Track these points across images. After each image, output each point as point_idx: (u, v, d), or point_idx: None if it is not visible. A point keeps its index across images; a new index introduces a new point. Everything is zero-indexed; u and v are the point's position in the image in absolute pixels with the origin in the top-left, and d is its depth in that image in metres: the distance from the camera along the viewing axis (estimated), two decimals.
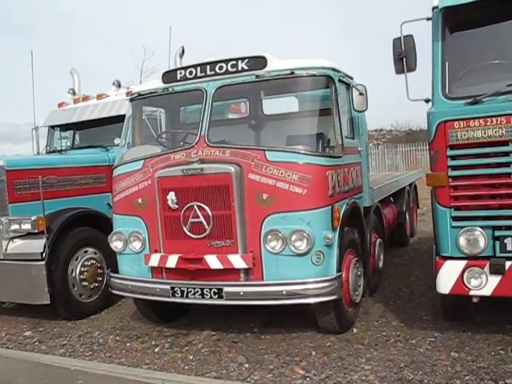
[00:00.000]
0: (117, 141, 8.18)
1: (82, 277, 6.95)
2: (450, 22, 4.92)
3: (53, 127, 9.37)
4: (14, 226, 6.65)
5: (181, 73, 5.82)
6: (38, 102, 9.59)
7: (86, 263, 7.04)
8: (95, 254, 7.20)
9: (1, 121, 52.22)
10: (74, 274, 6.87)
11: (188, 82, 5.79)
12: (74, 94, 9.30)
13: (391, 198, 9.33)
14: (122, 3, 55.10)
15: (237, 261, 5.09)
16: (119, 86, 8.92)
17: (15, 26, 55.16)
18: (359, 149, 6.36)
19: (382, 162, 30.52)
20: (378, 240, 7.28)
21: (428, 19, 5.05)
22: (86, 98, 9.07)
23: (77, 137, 9.20)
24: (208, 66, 5.67)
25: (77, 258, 6.94)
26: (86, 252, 7.09)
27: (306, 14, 75.66)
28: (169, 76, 5.93)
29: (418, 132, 40.45)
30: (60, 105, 9.27)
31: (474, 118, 4.55)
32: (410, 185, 11.20)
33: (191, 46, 9.58)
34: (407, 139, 35.58)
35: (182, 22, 49.29)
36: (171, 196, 5.31)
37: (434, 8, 4.97)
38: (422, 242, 10.99)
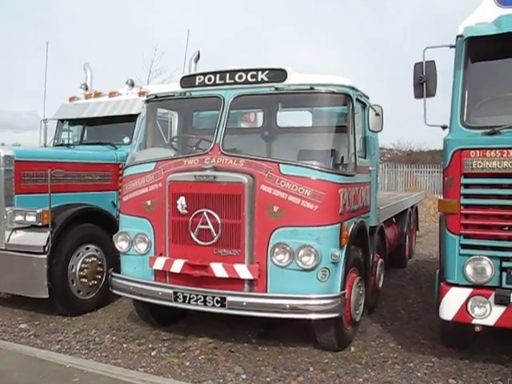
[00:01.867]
0: (126, 140, 8.23)
1: (81, 273, 6.92)
2: (473, 51, 4.95)
3: (62, 121, 9.35)
4: (19, 217, 6.63)
5: (200, 78, 5.83)
6: (42, 93, 9.64)
7: (87, 260, 7.02)
8: (96, 251, 7.19)
9: (3, 108, 52.04)
10: (74, 270, 6.84)
11: (206, 88, 5.80)
12: (87, 89, 9.28)
13: (394, 219, 9.35)
14: (136, 2, 55.09)
15: (243, 271, 5.09)
16: (132, 85, 8.91)
17: (20, 13, 55.07)
18: (370, 168, 6.38)
19: (381, 180, 30.56)
20: (380, 260, 7.30)
21: (451, 47, 5.09)
22: (98, 95, 9.05)
23: (86, 132, 9.17)
24: (228, 74, 5.69)
25: (78, 254, 6.92)
26: (87, 249, 7.07)
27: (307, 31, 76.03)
28: (187, 81, 5.94)
29: (418, 153, 40.66)
30: (71, 99, 9.24)
31: (491, 149, 4.57)
32: (412, 207, 11.25)
33: (205, 49, 9.59)
34: (407, 160, 35.68)
35: (196, 26, 49.35)
36: (181, 201, 5.31)
37: (458, 36, 5.01)
38: (420, 264, 11.03)
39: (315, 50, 66.55)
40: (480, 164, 4.62)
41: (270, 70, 5.55)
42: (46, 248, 6.45)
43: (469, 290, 4.69)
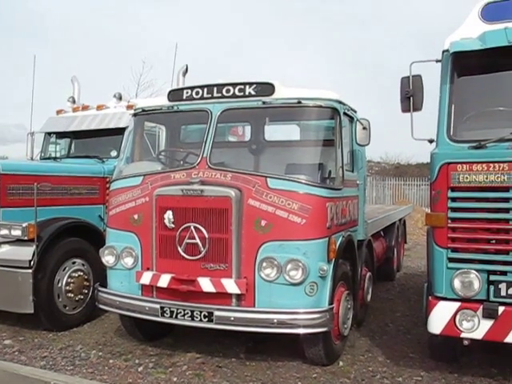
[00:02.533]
0: (113, 153, 8.19)
1: (67, 288, 6.83)
2: (459, 65, 4.99)
3: (49, 134, 9.30)
4: (4, 231, 6.55)
5: (187, 92, 5.83)
6: (29, 106, 9.58)
7: (73, 274, 6.93)
8: (83, 265, 7.11)
9: None
10: (60, 285, 6.75)
11: (194, 102, 5.80)
12: (74, 102, 9.25)
13: (381, 232, 9.37)
14: (124, 16, 55.24)
15: (230, 285, 5.05)
16: (120, 98, 8.90)
17: (6, 25, 54.94)
18: (358, 182, 6.40)
19: (369, 193, 30.68)
20: (368, 274, 7.28)
21: (437, 61, 5.14)
22: (85, 108, 9.03)
23: (73, 145, 9.13)
24: (215, 88, 5.69)
25: (64, 269, 6.83)
26: (73, 263, 6.99)
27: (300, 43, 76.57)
28: (175, 94, 5.94)
29: (406, 166, 40.85)
30: (59, 112, 9.21)
31: (477, 163, 4.60)
32: (400, 220, 11.28)
33: (192, 63, 9.61)
34: (395, 173, 35.88)
35: (185, 40, 49.51)
36: (168, 215, 5.28)
37: (444, 51, 5.06)
38: (408, 277, 11.02)
39: (304, 64, 66.93)
40: (467, 178, 4.64)
41: (257, 83, 5.56)
42: (32, 262, 6.35)
43: (457, 304, 4.69)
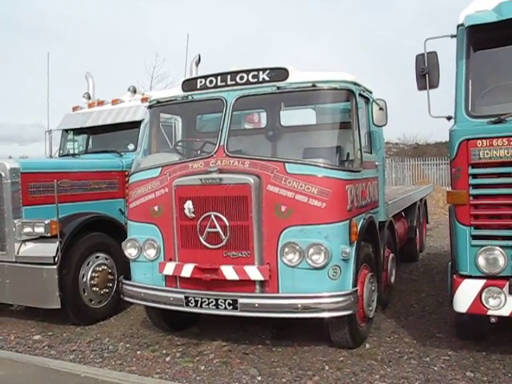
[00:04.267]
0: (131, 146, 8.23)
1: (92, 282, 6.92)
2: (475, 40, 4.90)
3: (66, 131, 9.37)
4: (27, 229, 6.63)
5: (201, 81, 5.81)
6: (44, 104, 9.66)
7: (97, 268, 7.01)
8: (106, 259, 7.18)
9: (7, 121, 52.31)
10: (84, 279, 6.84)
11: (208, 90, 5.78)
12: (89, 98, 9.28)
13: (403, 213, 9.30)
14: (134, 10, 55.25)
15: (253, 272, 5.06)
16: (135, 91, 8.91)
17: (21, 27, 55.32)
18: (376, 163, 6.34)
19: (388, 175, 30.47)
20: (391, 255, 7.25)
21: (452, 36, 5.04)
22: (100, 103, 9.07)
23: (90, 141, 9.20)
24: (229, 76, 5.67)
25: (88, 263, 6.92)
26: (97, 257, 7.07)
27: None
28: (189, 84, 5.93)
29: (424, 146, 40.42)
30: (74, 108, 9.27)
31: (498, 137, 4.53)
32: (421, 200, 11.19)
33: (205, 54, 9.59)
34: (414, 153, 35.53)
35: (197, 31, 49.49)
36: (188, 205, 5.29)
37: (458, 26, 4.97)
38: (431, 257, 10.96)
39: (316, 48, 66.41)
40: (487, 153, 4.58)
41: (271, 69, 5.52)
42: (56, 258, 6.44)
43: (482, 281, 4.64)
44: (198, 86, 5.82)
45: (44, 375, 5.27)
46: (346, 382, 4.85)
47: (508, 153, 4.50)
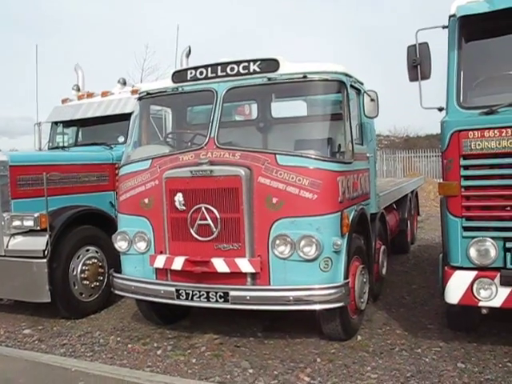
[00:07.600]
0: (121, 139, 8.17)
1: (82, 275, 6.87)
2: (467, 30, 4.89)
3: (56, 123, 9.29)
4: (16, 223, 6.58)
5: (191, 73, 5.76)
6: (33, 98, 9.57)
7: (88, 262, 6.97)
8: (97, 252, 7.14)
9: None
10: (75, 273, 6.79)
11: (198, 82, 5.73)
12: (79, 90, 9.23)
13: (394, 205, 9.30)
14: (128, 1, 54.78)
15: (244, 265, 5.04)
16: (124, 83, 8.87)
17: (12, 21, 54.81)
18: (368, 155, 6.32)
19: (379, 167, 30.51)
20: (382, 247, 7.25)
21: (444, 27, 5.02)
22: (90, 95, 9.01)
23: (80, 134, 9.12)
24: (219, 67, 5.61)
25: (78, 257, 6.87)
26: (87, 251, 7.02)
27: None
28: (179, 75, 5.87)
29: (415, 139, 40.55)
30: (64, 101, 9.19)
31: (489, 129, 4.51)
32: (412, 192, 11.22)
33: (197, 45, 9.53)
34: (404, 146, 35.63)
35: (188, 23, 49.20)
36: (179, 197, 5.25)
37: (450, 16, 4.95)
38: (422, 249, 10.99)
39: (309, 40, 66.14)
40: (479, 144, 4.56)
41: (261, 60, 5.47)
42: (46, 252, 6.39)
43: (473, 273, 4.64)
44: (189, 78, 5.77)
45: (34, 369, 5.23)
46: (337, 373, 4.84)
47: (499, 144, 4.48)
